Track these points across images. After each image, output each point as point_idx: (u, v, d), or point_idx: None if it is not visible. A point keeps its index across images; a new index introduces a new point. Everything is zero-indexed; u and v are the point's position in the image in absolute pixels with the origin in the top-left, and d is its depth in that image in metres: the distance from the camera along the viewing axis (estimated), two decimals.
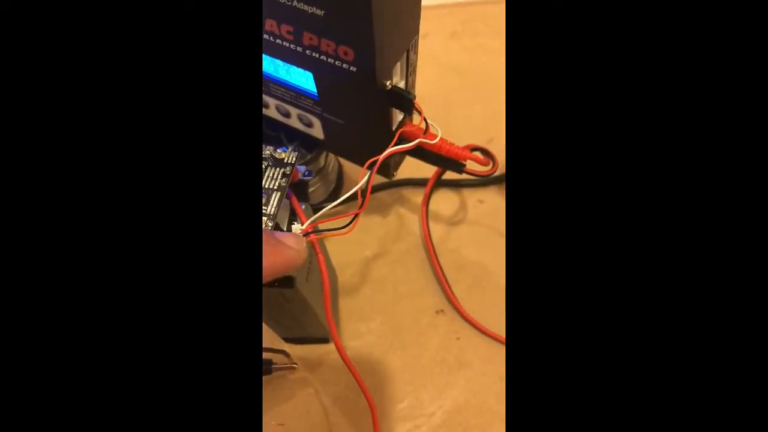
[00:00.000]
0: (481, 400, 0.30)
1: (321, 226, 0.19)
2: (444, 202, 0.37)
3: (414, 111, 0.23)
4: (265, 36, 0.21)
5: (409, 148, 0.21)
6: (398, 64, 0.21)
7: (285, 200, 0.21)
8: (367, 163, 0.20)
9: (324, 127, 0.28)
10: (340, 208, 0.22)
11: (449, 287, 0.33)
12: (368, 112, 0.23)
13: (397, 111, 0.24)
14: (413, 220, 0.37)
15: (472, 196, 0.37)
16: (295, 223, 0.20)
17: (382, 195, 0.38)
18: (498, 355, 0.31)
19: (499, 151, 0.23)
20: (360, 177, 0.19)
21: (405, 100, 0.22)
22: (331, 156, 0.36)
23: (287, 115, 0.29)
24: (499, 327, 0.32)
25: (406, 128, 0.25)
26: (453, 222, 0.37)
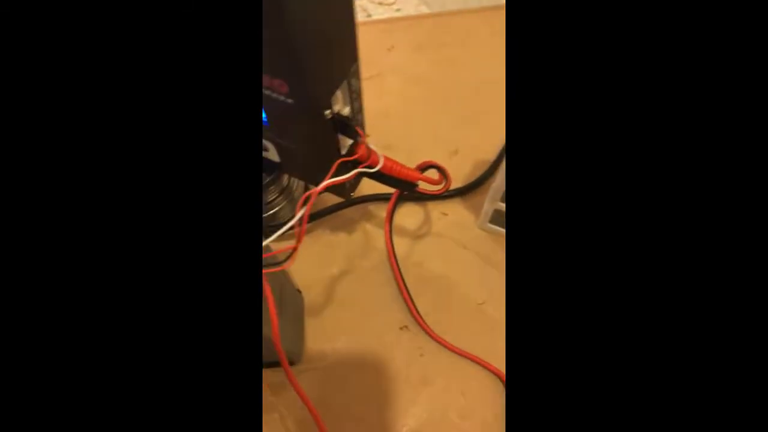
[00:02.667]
0: (443, 416, 0.29)
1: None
2: (409, 215, 0.37)
3: (360, 135, 0.22)
4: None
5: (347, 179, 0.21)
6: (338, 92, 0.21)
7: None
8: (302, 198, 0.20)
9: (279, 151, 0.27)
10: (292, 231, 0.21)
11: (413, 303, 0.33)
12: (315, 139, 0.23)
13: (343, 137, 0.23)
14: (379, 236, 0.36)
15: (435, 208, 0.37)
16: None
17: (348, 211, 0.37)
18: (460, 370, 0.31)
19: (464, 163, 0.23)
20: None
21: (347, 128, 0.21)
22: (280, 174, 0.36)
23: None
24: (463, 341, 0.31)
25: (357, 152, 0.25)
26: (417, 235, 0.36)
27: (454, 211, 0.37)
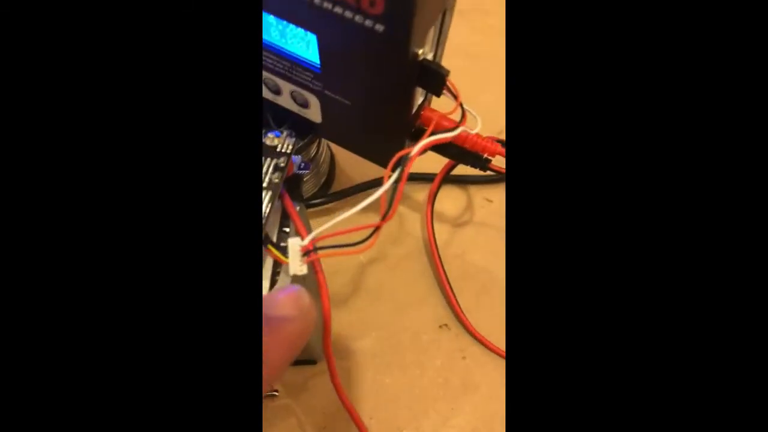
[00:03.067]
0: (490, 427, 0.26)
1: (326, 241, 0.14)
2: (447, 200, 0.33)
3: (444, 92, 0.18)
4: None
5: (451, 138, 0.16)
6: (432, 28, 0.16)
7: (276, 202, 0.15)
8: (394, 160, 0.15)
9: (323, 108, 0.22)
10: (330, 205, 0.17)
11: (455, 298, 0.29)
12: (386, 91, 0.18)
13: (419, 91, 0.19)
14: (414, 220, 0.32)
15: (478, 193, 0.33)
16: (293, 237, 0.15)
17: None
18: None
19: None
20: (385, 178, 0.14)
21: (437, 77, 0.17)
22: (323, 142, 0.31)
23: (277, 91, 0.23)
24: None
25: (425, 114, 0.20)
26: (458, 223, 0.32)
27: (500, 197, 0.33)
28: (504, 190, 0.33)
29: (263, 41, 0.20)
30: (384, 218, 0.14)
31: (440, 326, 0.29)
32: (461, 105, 0.17)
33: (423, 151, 0.15)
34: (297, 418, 0.26)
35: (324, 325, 0.17)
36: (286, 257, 0.15)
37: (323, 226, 0.14)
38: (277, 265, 0.17)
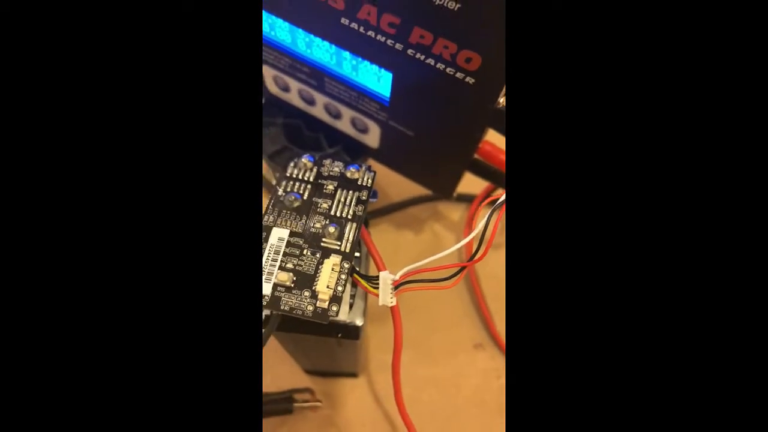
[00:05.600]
0: None
1: (415, 276, 0.16)
2: (482, 220, 0.34)
3: None
4: (353, 24, 0.17)
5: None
6: None
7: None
8: (486, 201, 0.16)
9: (384, 136, 0.24)
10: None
11: (491, 318, 0.30)
12: (458, 130, 0.20)
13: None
14: (449, 239, 0.34)
15: None
16: (385, 271, 0.16)
17: (415, 210, 0.34)
18: None
19: None
20: (474, 223, 0.16)
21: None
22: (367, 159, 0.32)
23: (338, 116, 0.25)
24: None
25: (483, 147, 0.22)
26: (494, 245, 0.33)
27: None
28: None
29: (335, 72, 0.21)
30: (472, 260, 0.16)
31: (475, 346, 0.30)
32: None
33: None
34: (337, 428, 0.27)
35: (395, 348, 0.18)
36: (372, 287, 0.16)
37: (416, 263, 0.16)
38: (353, 288, 0.18)
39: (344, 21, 0.17)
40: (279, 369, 0.29)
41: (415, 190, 0.34)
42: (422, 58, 0.16)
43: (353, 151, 0.27)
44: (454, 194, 0.26)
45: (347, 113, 0.24)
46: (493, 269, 0.32)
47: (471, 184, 0.28)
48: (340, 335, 0.17)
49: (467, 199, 0.33)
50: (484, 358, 0.30)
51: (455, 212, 0.34)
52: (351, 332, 0.17)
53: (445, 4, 0.14)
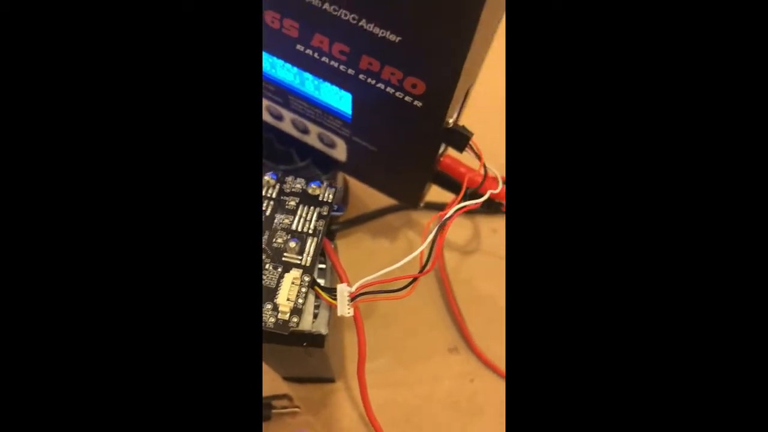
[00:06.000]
0: None
1: (372, 288, 0.17)
2: (455, 228, 0.35)
3: (467, 149, 0.20)
4: (308, 51, 0.18)
5: (480, 203, 0.19)
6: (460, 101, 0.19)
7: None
8: (432, 220, 0.18)
9: (349, 150, 0.25)
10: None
11: (464, 322, 0.31)
12: (413, 147, 0.21)
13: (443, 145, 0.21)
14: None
15: (485, 224, 0.36)
16: (325, 272, 0.17)
17: (389, 218, 0.36)
18: None
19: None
20: (423, 236, 0.17)
21: (462, 139, 0.19)
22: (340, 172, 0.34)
23: (305, 131, 0.26)
24: None
25: (444, 160, 0.23)
26: (466, 251, 0.35)
27: (504, 228, 0.36)
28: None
29: (299, 91, 0.23)
30: (422, 271, 0.17)
31: (449, 349, 0.31)
32: (484, 165, 0.20)
33: (456, 212, 0.18)
34: None
35: (359, 355, 0.19)
36: (332, 298, 0.17)
37: (369, 276, 0.17)
38: (317, 300, 0.19)
39: (299, 47, 0.18)
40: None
41: (390, 199, 0.35)
42: (373, 82, 0.17)
43: (323, 164, 0.28)
44: (422, 204, 0.27)
45: (314, 129, 0.25)
46: (467, 275, 0.34)
47: (441, 193, 0.29)
48: (305, 344, 0.18)
49: (439, 207, 0.35)
50: (459, 362, 0.31)
51: (427, 220, 0.36)
52: (316, 341, 0.18)
53: (387, 37, 0.15)
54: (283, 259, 0.17)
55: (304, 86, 0.22)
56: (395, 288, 0.17)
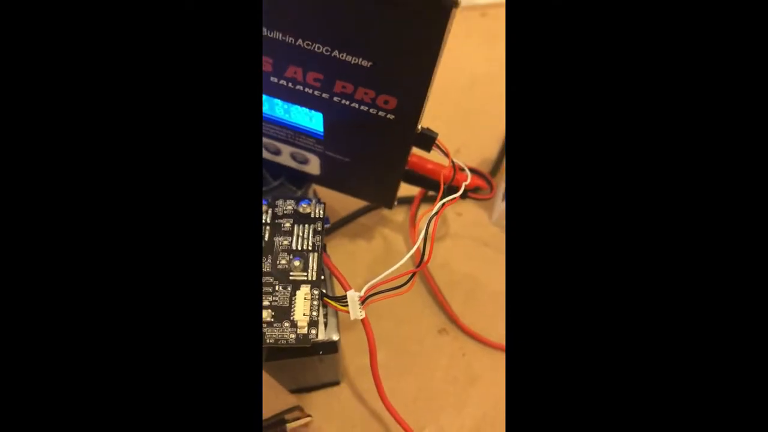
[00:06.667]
0: (498, 410, 0.31)
1: (377, 288, 0.19)
2: (424, 217, 0.38)
3: (434, 148, 0.22)
4: (282, 81, 0.19)
5: (458, 197, 0.21)
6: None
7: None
8: (424, 214, 0.19)
9: (323, 164, 0.26)
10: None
11: (448, 304, 0.34)
12: (386, 154, 0.23)
13: None
14: (398, 240, 0.37)
15: (449, 209, 0.38)
16: (351, 290, 0.19)
17: (362, 219, 0.37)
18: (503, 363, 0.33)
19: (468, 161, 0.24)
20: (414, 234, 0.19)
21: (428, 140, 0.21)
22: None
23: (277, 153, 0.27)
24: (500, 336, 0.33)
25: (412, 159, 0.25)
26: (437, 237, 0.37)
27: (468, 210, 0.38)
28: (470, 203, 0.39)
29: (269, 117, 0.24)
30: (419, 265, 0.19)
31: (439, 331, 0.34)
32: (452, 161, 0.22)
33: (442, 208, 0.20)
34: None
35: (370, 351, 0.21)
36: (342, 305, 0.19)
37: (376, 278, 0.18)
38: (324, 308, 0.21)
39: (273, 79, 0.19)
40: (265, 395, 0.31)
41: (360, 202, 0.37)
42: (347, 103, 0.19)
43: (297, 180, 0.29)
44: (396, 203, 0.29)
45: (286, 149, 0.26)
46: (442, 260, 0.36)
47: (406, 188, 0.31)
48: (321, 353, 0.19)
49: (406, 201, 0.37)
50: (449, 341, 0.33)
51: (398, 215, 0.38)
52: (330, 348, 0.19)
53: (359, 63, 0.16)
54: (290, 278, 0.18)
55: (273, 111, 0.23)
56: (398, 285, 0.18)
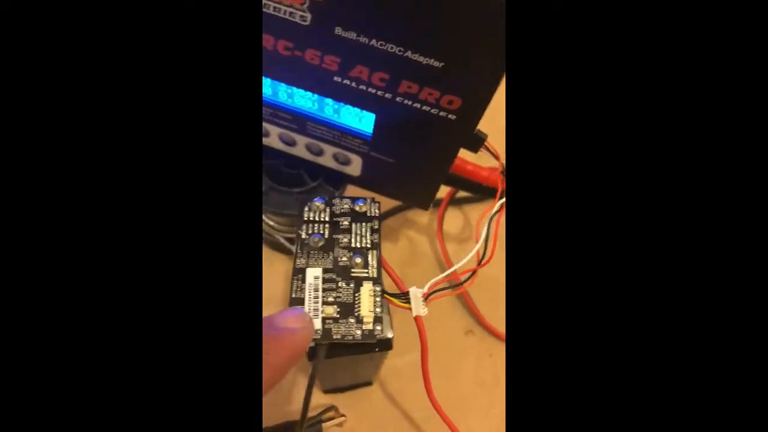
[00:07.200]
0: None
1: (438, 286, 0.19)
2: (448, 220, 0.38)
3: (481, 149, 0.23)
4: (345, 81, 0.19)
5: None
6: None
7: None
8: (485, 214, 0.20)
9: (365, 165, 0.26)
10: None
11: (475, 306, 0.34)
12: (436, 153, 0.23)
13: None
14: (423, 242, 0.37)
15: (473, 212, 0.39)
16: (413, 287, 0.19)
17: (388, 222, 0.37)
18: None
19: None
20: (440, 235, 0.19)
21: (478, 141, 0.22)
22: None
23: (320, 153, 0.27)
24: None
25: (457, 162, 0.26)
26: (461, 239, 0.38)
27: None
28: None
29: (317, 116, 0.24)
30: (480, 264, 0.19)
31: (466, 333, 0.34)
32: (501, 162, 0.22)
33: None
34: None
35: (422, 349, 0.21)
36: (402, 302, 0.19)
37: (438, 276, 0.19)
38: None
39: (337, 79, 0.19)
40: (298, 395, 0.31)
41: (385, 204, 0.37)
42: (409, 103, 0.19)
43: (334, 180, 0.29)
44: (431, 204, 0.29)
45: (329, 150, 0.26)
46: (468, 261, 0.37)
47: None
48: (377, 349, 0.20)
49: (435, 203, 0.37)
50: (476, 342, 0.34)
51: (423, 217, 0.38)
52: (386, 345, 0.20)
53: (431, 64, 0.17)
54: (352, 274, 0.18)
55: (322, 111, 0.23)
56: (458, 283, 0.19)
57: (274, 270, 0.35)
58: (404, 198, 0.28)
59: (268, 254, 0.36)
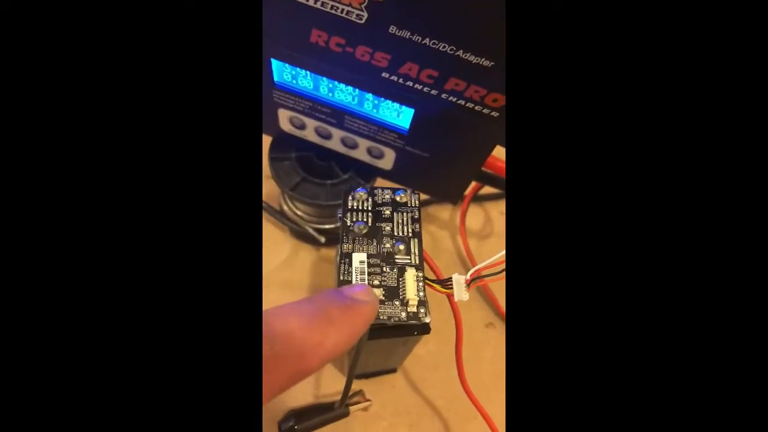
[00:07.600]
0: None
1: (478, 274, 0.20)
2: (469, 216, 0.39)
3: None
4: (393, 77, 0.20)
5: None
6: None
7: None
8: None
9: (398, 158, 0.27)
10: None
11: (495, 299, 0.35)
12: (473, 148, 0.24)
13: None
14: (445, 237, 0.38)
15: (494, 208, 0.40)
16: (456, 274, 0.20)
17: None
18: None
19: None
20: (463, 230, 0.20)
21: None
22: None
23: (354, 146, 0.28)
24: None
25: (489, 159, 0.27)
26: (482, 235, 0.39)
27: None
28: None
29: (356, 111, 0.25)
30: None
31: (486, 325, 0.35)
32: None
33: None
34: (387, 421, 0.31)
35: (458, 336, 0.22)
36: (444, 288, 0.20)
37: (481, 264, 0.20)
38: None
39: (385, 75, 0.20)
40: (326, 380, 0.32)
41: (449, 203, 0.38)
42: (454, 99, 0.20)
43: (365, 174, 0.30)
44: (460, 199, 0.30)
45: (364, 143, 0.27)
46: (488, 256, 0.38)
47: None
48: (415, 333, 0.21)
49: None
50: (495, 335, 0.35)
51: (443, 212, 0.39)
52: (423, 329, 0.21)
53: (481, 63, 0.18)
54: (396, 260, 0.20)
55: (362, 106, 0.24)
56: (498, 270, 0.20)
57: (298, 259, 0.36)
58: (435, 192, 0.29)
59: (293, 244, 0.37)
